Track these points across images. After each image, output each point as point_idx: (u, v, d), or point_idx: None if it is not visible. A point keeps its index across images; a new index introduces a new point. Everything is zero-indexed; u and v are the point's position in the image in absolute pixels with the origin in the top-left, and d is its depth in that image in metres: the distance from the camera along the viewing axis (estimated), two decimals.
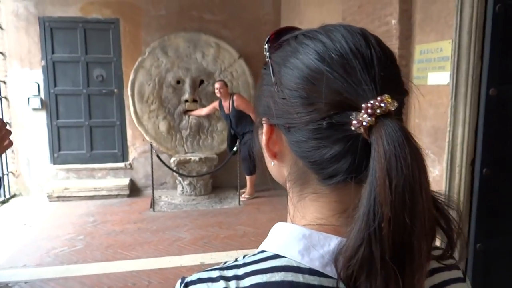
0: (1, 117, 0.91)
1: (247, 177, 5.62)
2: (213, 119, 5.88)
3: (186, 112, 5.79)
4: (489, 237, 2.53)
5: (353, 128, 0.43)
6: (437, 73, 2.60)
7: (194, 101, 5.76)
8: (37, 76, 5.68)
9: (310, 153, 0.48)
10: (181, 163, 5.62)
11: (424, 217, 0.41)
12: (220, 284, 0.47)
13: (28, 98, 5.67)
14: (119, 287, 3.19)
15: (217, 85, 5.31)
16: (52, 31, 5.66)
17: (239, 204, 5.39)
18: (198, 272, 0.50)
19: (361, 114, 0.43)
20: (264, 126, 0.52)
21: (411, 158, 0.41)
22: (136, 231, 4.38)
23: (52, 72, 5.72)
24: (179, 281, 0.49)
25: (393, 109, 0.43)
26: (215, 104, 5.54)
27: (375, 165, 0.41)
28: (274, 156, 0.53)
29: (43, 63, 5.68)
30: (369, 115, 0.42)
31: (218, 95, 5.35)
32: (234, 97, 5.32)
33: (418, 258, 0.41)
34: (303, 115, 0.46)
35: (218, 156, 5.80)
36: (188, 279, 0.49)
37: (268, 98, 0.51)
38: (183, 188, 5.75)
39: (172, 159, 5.63)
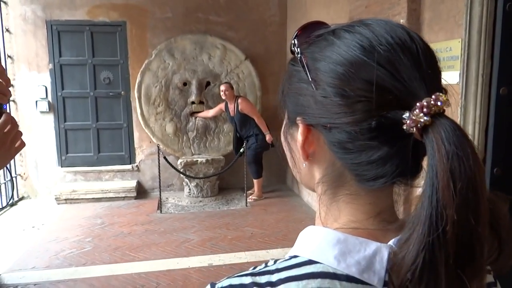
0: (14, 119, 0.89)
1: (255, 180, 5.61)
2: (219, 120, 5.88)
3: (192, 114, 5.79)
4: None
5: (405, 128, 0.41)
6: (447, 72, 2.58)
7: (201, 102, 5.77)
8: (45, 79, 5.72)
9: (355, 155, 0.45)
10: (188, 165, 5.62)
11: (486, 218, 0.40)
12: None
13: (36, 101, 5.71)
14: None
15: (222, 88, 5.32)
16: (59, 34, 5.69)
17: (246, 205, 5.38)
18: (228, 277, 0.47)
19: (415, 113, 0.41)
20: (300, 126, 0.50)
21: (472, 158, 0.39)
22: (144, 233, 4.39)
23: (59, 75, 5.75)
24: (208, 286, 0.47)
25: (447, 107, 0.41)
26: (222, 105, 5.54)
27: (436, 166, 0.39)
28: (307, 157, 0.51)
29: (51, 66, 5.71)
30: (426, 114, 0.40)
31: (223, 97, 5.35)
32: (239, 100, 5.32)
33: (480, 260, 0.40)
34: (348, 115, 0.44)
35: (225, 157, 5.80)
36: (219, 285, 0.46)
37: (304, 97, 0.48)
38: (190, 189, 5.75)
39: (179, 161, 5.64)
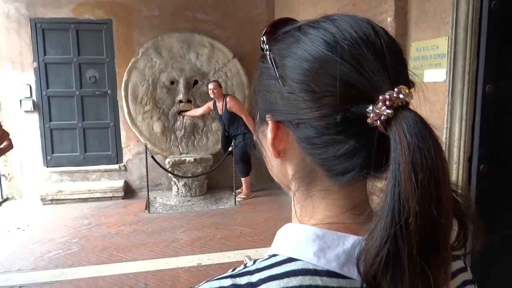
0: None
1: (242, 179, 5.60)
2: (207, 119, 5.85)
3: (180, 112, 5.75)
4: (487, 234, 2.53)
5: (369, 121, 0.41)
6: (433, 70, 2.60)
7: (188, 101, 5.73)
8: (29, 78, 5.62)
9: (322, 149, 0.45)
10: (176, 164, 5.58)
11: (449, 209, 0.40)
12: None
13: (20, 101, 5.61)
14: None
15: (210, 86, 5.29)
16: (44, 32, 5.60)
17: (235, 204, 5.37)
18: (207, 281, 0.46)
19: (378, 106, 0.41)
20: (269, 123, 0.49)
21: (434, 150, 0.39)
22: (132, 233, 4.34)
23: (44, 73, 5.66)
24: None
25: (410, 100, 0.41)
26: (210, 104, 5.51)
27: (398, 159, 0.39)
28: (278, 154, 0.50)
29: (35, 64, 5.62)
30: (388, 107, 0.40)
31: (211, 96, 5.32)
32: (227, 99, 5.30)
33: (444, 251, 0.40)
34: (314, 110, 0.44)
35: (213, 156, 5.78)
36: None
37: (272, 94, 0.48)
38: (178, 189, 5.71)
39: (167, 160, 5.60)
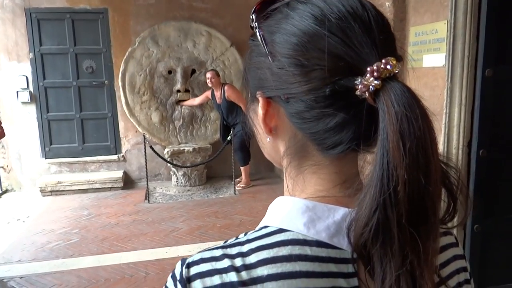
0: None
1: (242, 168, 5.60)
2: (206, 108, 5.83)
3: (178, 102, 5.72)
4: (487, 218, 2.53)
5: (358, 93, 0.42)
6: (433, 55, 2.58)
7: (186, 91, 5.70)
8: (26, 69, 5.58)
9: (312, 123, 0.46)
10: (175, 154, 5.57)
11: (437, 177, 0.40)
12: (225, 263, 0.45)
13: (17, 92, 5.57)
14: (117, 279, 3.17)
15: (208, 75, 5.25)
16: (39, 22, 5.54)
17: (235, 193, 5.37)
18: (199, 252, 0.47)
19: (366, 78, 0.41)
20: (260, 100, 0.50)
21: (421, 119, 0.40)
22: (132, 223, 4.35)
23: (40, 64, 5.61)
24: (179, 263, 0.47)
25: (397, 71, 0.42)
26: (208, 93, 5.48)
27: (386, 128, 0.40)
28: (270, 131, 0.51)
29: (31, 55, 5.57)
30: (376, 78, 0.41)
31: (209, 85, 5.29)
32: (225, 88, 5.27)
33: (433, 219, 0.41)
34: (303, 84, 0.44)
35: (212, 146, 5.77)
36: (190, 260, 0.46)
37: (262, 70, 0.49)
38: (177, 179, 5.71)
39: (166, 150, 5.59)
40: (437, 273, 0.46)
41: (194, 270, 0.45)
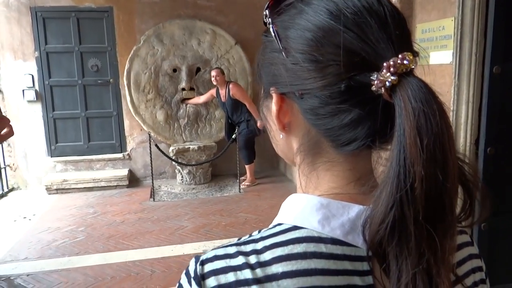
0: None
1: (246, 166, 5.59)
2: (211, 107, 5.82)
3: (183, 100, 5.73)
4: (494, 216, 2.52)
5: (373, 89, 0.41)
6: (440, 52, 2.56)
7: (191, 89, 5.70)
8: (31, 67, 5.60)
9: (327, 120, 0.45)
10: (180, 152, 5.58)
11: (454, 173, 0.40)
12: (239, 260, 0.44)
13: (23, 91, 5.59)
14: (122, 277, 3.18)
15: (213, 73, 5.25)
16: (44, 21, 5.56)
17: (240, 191, 5.37)
18: (213, 249, 0.47)
19: (383, 73, 0.40)
20: (274, 96, 0.49)
21: (439, 114, 0.39)
22: (137, 221, 4.36)
23: (46, 63, 5.63)
24: (193, 260, 0.47)
25: (414, 66, 0.41)
26: (213, 91, 5.48)
27: (403, 124, 0.39)
28: (283, 127, 0.51)
29: (37, 54, 5.59)
30: (392, 74, 0.40)
31: (214, 83, 5.28)
32: (230, 86, 5.26)
33: (450, 216, 0.40)
34: (318, 79, 0.43)
35: (217, 144, 5.77)
36: (204, 257, 0.46)
37: (276, 66, 0.48)
38: (182, 177, 5.72)
39: (171, 148, 5.59)
40: (453, 271, 0.45)
41: (208, 267, 0.45)
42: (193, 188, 5.59)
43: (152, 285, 3.05)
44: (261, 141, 5.53)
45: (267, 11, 0.50)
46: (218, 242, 3.75)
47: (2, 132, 0.86)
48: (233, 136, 5.31)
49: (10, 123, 0.90)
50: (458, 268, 0.50)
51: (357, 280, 0.43)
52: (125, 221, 4.36)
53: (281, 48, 0.47)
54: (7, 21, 5.46)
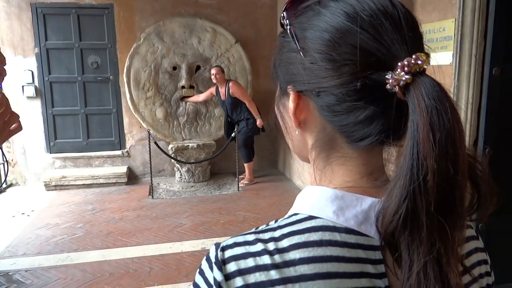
0: (7, 100, 0.83)
1: (245, 164, 5.60)
2: (210, 105, 5.83)
3: (183, 98, 5.73)
4: (492, 217, 2.53)
5: (388, 87, 0.43)
6: (440, 53, 2.57)
7: (191, 87, 5.71)
8: (31, 64, 5.59)
9: (343, 116, 0.48)
10: (179, 150, 5.58)
11: (465, 168, 0.42)
12: (258, 246, 0.47)
13: (22, 87, 5.59)
14: (121, 273, 3.19)
15: (213, 71, 5.25)
16: (44, 17, 5.55)
17: (238, 190, 5.38)
18: (232, 237, 0.49)
19: (397, 72, 0.43)
20: (291, 93, 0.52)
21: (450, 111, 0.41)
22: (136, 218, 4.37)
23: (46, 59, 5.63)
24: (213, 247, 0.49)
25: (426, 66, 0.44)
26: (212, 89, 5.48)
27: (417, 120, 0.41)
28: (299, 124, 0.53)
29: (37, 50, 5.58)
30: (406, 73, 0.42)
31: (214, 81, 5.29)
32: (230, 84, 5.26)
33: (460, 208, 0.42)
34: (335, 78, 0.46)
35: (216, 142, 5.77)
36: (224, 243, 0.49)
37: (294, 65, 0.51)
38: (181, 175, 5.72)
39: (170, 146, 5.59)
40: (461, 262, 0.48)
41: (228, 253, 0.47)
42: (192, 186, 5.59)
43: (150, 282, 3.06)
44: (260, 140, 5.53)
45: (284, 13, 0.52)
46: (217, 240, 3.75)
47: (11, 127, 0.87)
48: (232, 135, 5.32)
49: (19, 119, 0.91)
50: (466, 259, 0.53)
51: (370, 268, 0.46)
52: (123, 218, 4.37)
53: (299, 48, 0.49)
54: (7, 16, 5.45)
